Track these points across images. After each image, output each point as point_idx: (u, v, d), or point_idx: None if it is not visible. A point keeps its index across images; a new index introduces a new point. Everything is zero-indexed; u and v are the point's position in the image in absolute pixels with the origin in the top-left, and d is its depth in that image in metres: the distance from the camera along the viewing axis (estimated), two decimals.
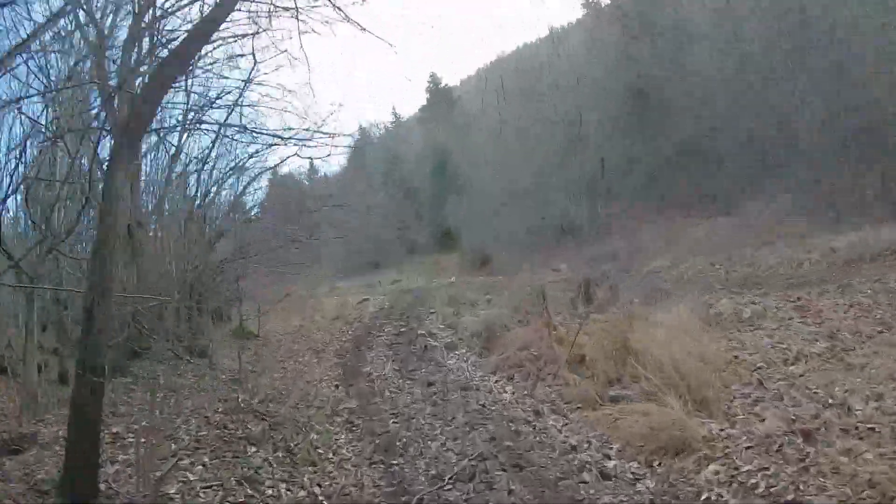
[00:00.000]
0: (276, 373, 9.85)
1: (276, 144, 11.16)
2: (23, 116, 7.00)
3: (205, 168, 12.95)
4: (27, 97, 6.59)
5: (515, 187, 26.75)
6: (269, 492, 4.79)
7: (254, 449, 5.62)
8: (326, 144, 13.02)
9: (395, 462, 5.44)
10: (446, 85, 46.58)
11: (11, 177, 7.19)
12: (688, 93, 22.24)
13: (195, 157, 12.37)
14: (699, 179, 22.08)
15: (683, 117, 22.68)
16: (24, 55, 5.82)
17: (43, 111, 7.28)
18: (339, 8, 5.04)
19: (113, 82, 6.25)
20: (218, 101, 10.03)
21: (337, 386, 8.87)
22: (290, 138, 10.15)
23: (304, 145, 10.44)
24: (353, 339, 12.62)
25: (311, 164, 59.61)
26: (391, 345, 11.27)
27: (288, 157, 28.92)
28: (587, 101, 26.39)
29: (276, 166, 16.08)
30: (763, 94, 19.73)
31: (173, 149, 11.08)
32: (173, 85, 6.25)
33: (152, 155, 11.27)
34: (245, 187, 16.26)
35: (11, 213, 8.21)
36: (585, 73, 27.18)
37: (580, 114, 25.85)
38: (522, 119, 28.50)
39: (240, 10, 5.14)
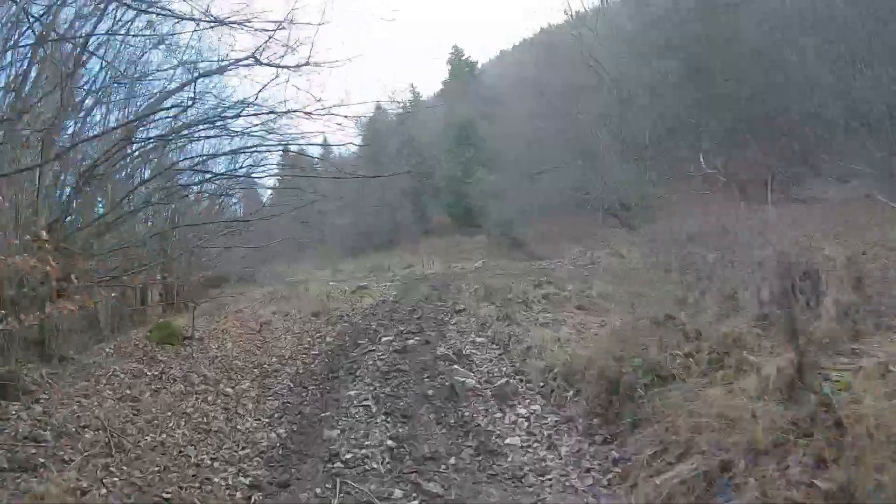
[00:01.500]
0: (144, 433, 4.75)
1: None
2: None
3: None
4: None
5: (549, 161, 21.27)
6: None
7: None
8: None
9: None
10: (469, 57, 41.01)
11: None
12: (746, 66, 17.47)
13: None
14: (758, 158, 17.58)
15: (740, 91, 17.82)
16: None
17: None
18: None
19: None
20: None
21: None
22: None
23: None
24: (328, 354, 7.48)
25: (325, 142, 55.11)
26: (387, 374, 6.06)
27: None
28: (636, 71, 20.68)
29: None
30: (834, 68, 14.87)
31: None
32: None
33: None
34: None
35: None
36: (634, 40, 21.51)
37: (626, 88, 20.28)
38: (557, 89, 22.77)
39: None
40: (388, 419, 4.74)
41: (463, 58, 40.44)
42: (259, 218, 12.05)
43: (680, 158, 19.85)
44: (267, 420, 5.33)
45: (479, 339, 6.94)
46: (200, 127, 6.91)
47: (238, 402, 5.92)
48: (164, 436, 4.59)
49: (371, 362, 6.50)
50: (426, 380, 5.64)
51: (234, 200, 15.77)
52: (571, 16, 25.75)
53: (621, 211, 19.74)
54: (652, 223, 19.29)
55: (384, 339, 7.53)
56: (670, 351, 3.69)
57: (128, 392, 5.49)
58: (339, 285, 15.93)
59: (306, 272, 36.54)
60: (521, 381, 5.20)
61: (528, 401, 4.75)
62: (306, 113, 5.98)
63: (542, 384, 4.95)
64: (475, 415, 4.56)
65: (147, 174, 8.76)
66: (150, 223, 11.03)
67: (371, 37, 22.80)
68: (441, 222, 34.53)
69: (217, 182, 11.54)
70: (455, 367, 5.88)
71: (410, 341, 7.14)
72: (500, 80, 40.07)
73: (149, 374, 6.61)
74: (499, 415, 4.53)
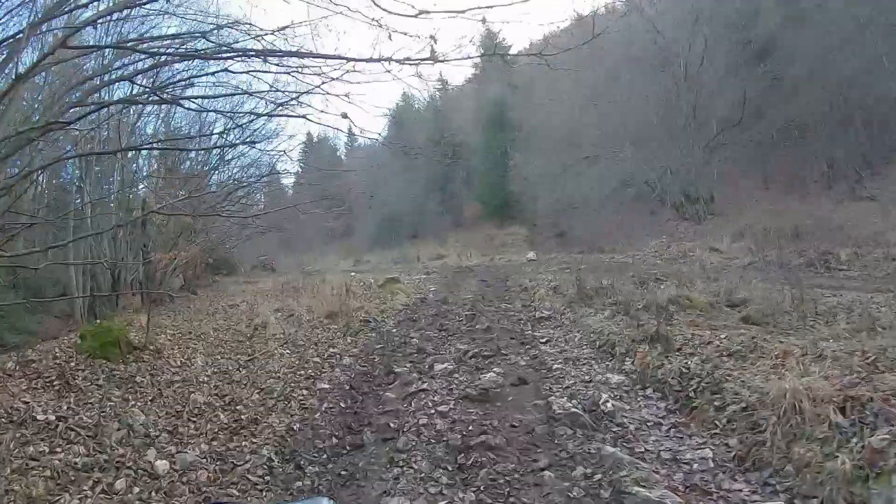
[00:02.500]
0: None
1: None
2: None
3: None
4: None
5: (590, 149, 17.83)
6: None
7: None
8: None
9: None
10: (503, 40, 37.48)
11: None
12: (811, 54, 14.37)
13: None
14: (818, 150, 15.12)
15: (803, 82, 14.72)
16: None
17: None
18: None
19: None
20: None
21: None
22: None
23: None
24: (344, 392, 4.39)
25: (350, 133, 52.25)
26: (463, 457, 2.94)
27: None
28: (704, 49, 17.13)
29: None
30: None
31: None
32: None
33: None
34: None
35: None
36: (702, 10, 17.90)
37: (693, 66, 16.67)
38: (600, 73, 19.21)
39: None
40: None
41: (496, 41, 37.02)
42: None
43: (748, 147, 16.31)
44: None
45: (614, 378, 3.80)
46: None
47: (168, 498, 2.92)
48: None
49: (424, 421, 3.40)
50: (548, 478, 2.55)
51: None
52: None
53: (687, 203, 16.34)
54: (716, 216, 15.96)
55: (438, 365, 4.44)
56: None
57: None
58: (364, 276, 12.97)
59: (329, 261, 33.98)
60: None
61: None
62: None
63: None
64: None
65: None
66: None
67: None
68: (472, 213, 31.36)
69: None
70: (604, 447, 2.78)
71: (487, 375, 4.02)
72: (537, 68, 36.54)
73: (40, 419, 3.73)
74: None
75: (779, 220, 13.52)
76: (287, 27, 3.45)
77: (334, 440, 3.44)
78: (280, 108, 3.83)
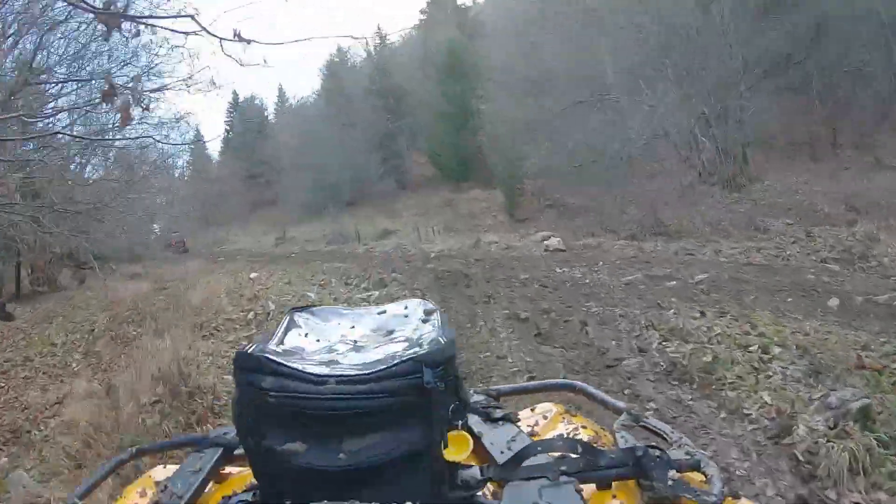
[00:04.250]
0: None
1: None
2: None
3: None
4: None
5: (585, 96, 13.20)
6: None
7: None
8: None
9: None
10: None
11: None
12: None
13: None
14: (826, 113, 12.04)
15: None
16: None
17: None
18: None
19: None
20: None
21: None
22: None
23: None
24: None
25: (281, 91, 44.57)
26: None
27: None
28: None
29: None
30: None
31: None
32: None
33: None
34: None
35: None
36: None
37: None
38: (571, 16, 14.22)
39: None
40: None
41: None
42: None
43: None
44: None
45: None
46: None
47: None
48: None
49: None
50: None
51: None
52: None
53: (724, 163, 12.27)
54: (753, 183, 12.11)
55: None
56: None
57: None
58: (268, 279, 8.18)
59: (250, 239, 27.91)
60: None
61: None
62: None
63: None
64: None
65: None
66: None
67: None
68: (421, 175, 26.26)
69: None
70: None
71: None
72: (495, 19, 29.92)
73: None
74: None
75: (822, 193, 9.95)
76: None
77: None
78: None
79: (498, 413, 0.72)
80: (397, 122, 26.20)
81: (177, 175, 47.30)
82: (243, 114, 41.72)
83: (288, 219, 26.80)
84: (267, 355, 0.53)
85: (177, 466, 0.70)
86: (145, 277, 12.63)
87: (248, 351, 0.55)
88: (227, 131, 43.06)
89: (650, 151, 12.12)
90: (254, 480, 0.59)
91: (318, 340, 0.64)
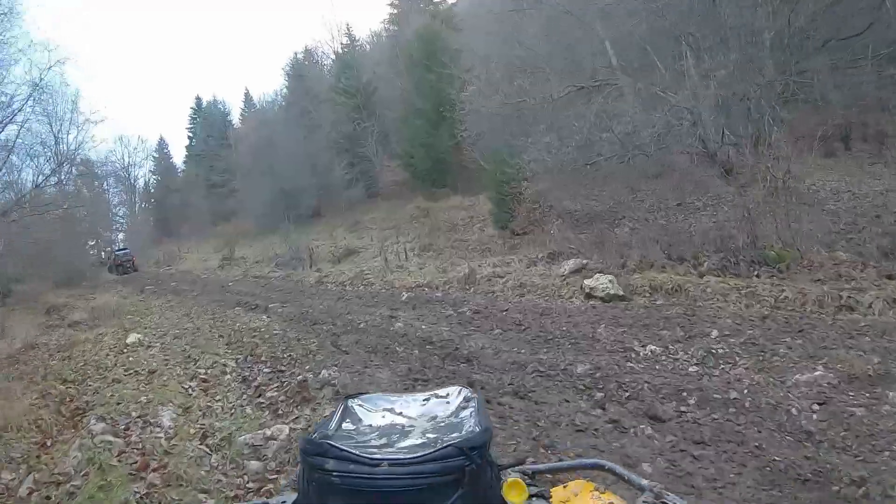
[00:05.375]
0: None
1: None
2: None
3: None
4: None
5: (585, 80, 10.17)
6: None
7: None
8: None
9: None
10: None
11: None
12: None
13: None
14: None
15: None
16: None
17: None
18: None
19: None
20: None
21: None
22: None
23: None
24: None
25: (247, 95, 40.91)
26: None
27: None
28: None
29: None
30: None
31: None
32: None
33: None
34: None
35: None
36: None
37: None
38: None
39: None
40: None
41: None
42: None
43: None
44: None
45: None
46: None
47: None
48: None
49: None
50: None
51: None
52: None
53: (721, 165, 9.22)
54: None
55: None
56: None
57: None
58: (146, 351, 4.83)
59: (200, 256, 24.17)
60: None
61: None
62: None
63: None
64: None
65: None
66: None
67: None
68: (392, 181, 22.91)
69: None
70: None
71: None
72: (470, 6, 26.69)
73: None
74: None
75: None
76: None
77: None
78: None
79: (533, 490, 0.76)
80: (365, 124, 22.81)
81: (141, 185, 42.73)
82: (205, 119, 38.33)
83: (244, 231, 23.25)
84: (329, 441, 0.64)
85: None
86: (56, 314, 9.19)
87: (313, 437, 0.67)
88: (189, 138, 39.68)
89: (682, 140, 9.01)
90: None
91: (370, 426, 0.77)
